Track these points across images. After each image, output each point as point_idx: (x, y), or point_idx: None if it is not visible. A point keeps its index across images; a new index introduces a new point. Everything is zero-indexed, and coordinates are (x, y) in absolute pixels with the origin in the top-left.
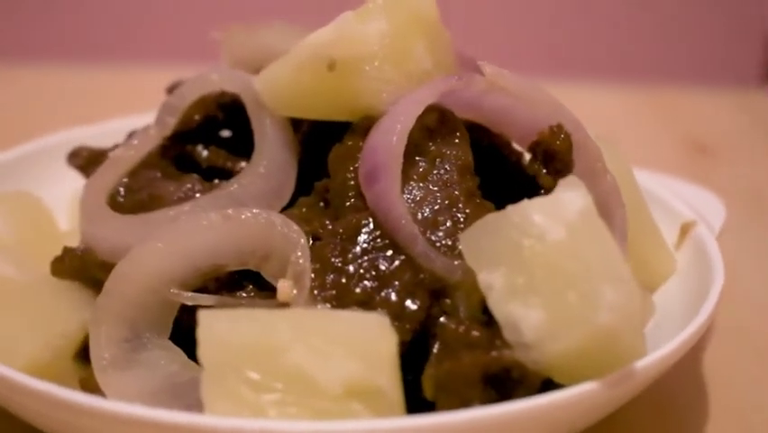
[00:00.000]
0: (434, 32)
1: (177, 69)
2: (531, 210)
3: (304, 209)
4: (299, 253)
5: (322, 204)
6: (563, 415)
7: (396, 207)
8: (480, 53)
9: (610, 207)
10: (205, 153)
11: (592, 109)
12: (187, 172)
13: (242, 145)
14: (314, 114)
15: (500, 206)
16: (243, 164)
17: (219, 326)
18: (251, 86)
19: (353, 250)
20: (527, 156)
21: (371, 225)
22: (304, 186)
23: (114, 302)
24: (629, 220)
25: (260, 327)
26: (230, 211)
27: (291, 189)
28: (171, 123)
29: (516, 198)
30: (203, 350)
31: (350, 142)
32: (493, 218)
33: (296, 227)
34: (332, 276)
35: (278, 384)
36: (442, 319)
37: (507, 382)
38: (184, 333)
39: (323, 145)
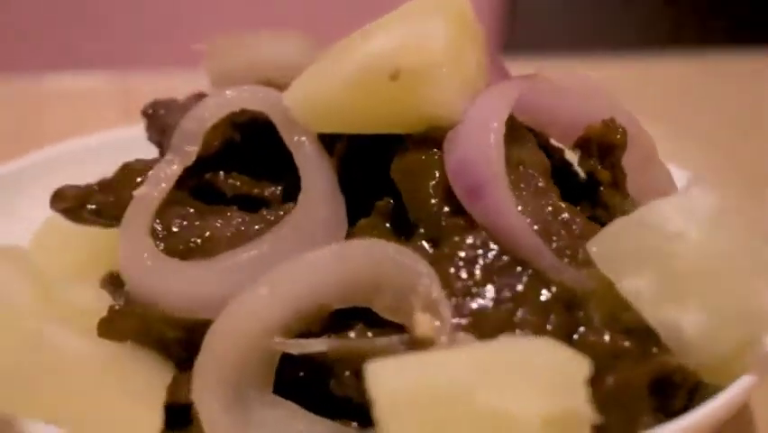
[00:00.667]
0: (476, 31)
1: (155, 77)
2: (666, 211)
3: (375, 231)
4: (428, 282)
5: (388, 225)
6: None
7: (515, 221)
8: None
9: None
10: (229, 181)
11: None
12: (216, 204)
13: (263, 168)
14: (362, 127)
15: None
16: (273, 189)
17: (392, 377)
18: (279, 102)
19: (475, 272)
20: (568, 152)
21: (488, 244)
22: (355, 209)
23: (216, 364)
24: None
25: (437, 371)
26: (338, 246)
27: (345, 213)
28: (193, 152)
29: (570, 198)
30: (382, 407)
31: (422, 156)
32: (625, 223)
33: (412, 253)
34: (464, 303)
35: (472, 429)
36: (581, 330)
37: (667, 388)
38: (286, 385)
39: (362, 161)
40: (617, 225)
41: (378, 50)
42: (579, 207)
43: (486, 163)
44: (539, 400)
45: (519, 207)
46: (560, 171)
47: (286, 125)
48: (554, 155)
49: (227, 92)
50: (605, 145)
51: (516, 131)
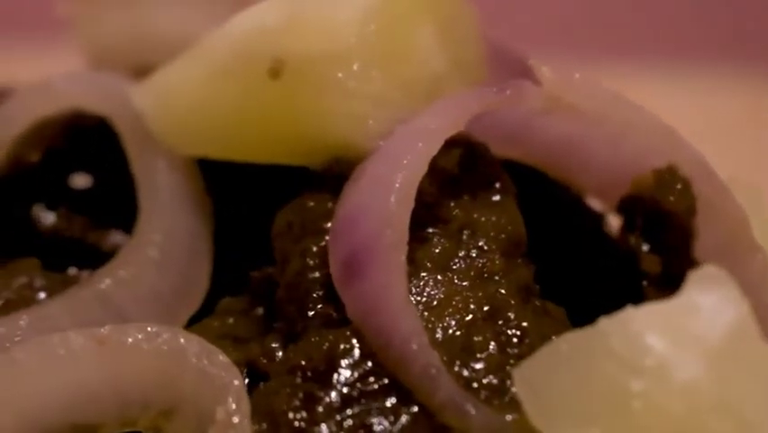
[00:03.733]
0: (447, 10)
1: None
2: (641, 327)
3: (231, 320)
4: (232, 406)
5: (261, 310)
6: None
7: (400, 321)
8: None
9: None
10: (48, 218)
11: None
12: (18, 251)
13: (111, 202)
14: (241, 153)
15: (574, 313)
16: (117, 237)
17: None
18: (127, 102)
19: (327, 398)
20: (613, 220)
21: (356, 353)
22: (225, 279)
23: None
24: None
25: None
26: (104, 330)
27: (205, 285)
28: None
29: (600, 298)
30: None
31: (310, 203)
32: (572, 341)
33: (223, 358)
34: None
35: None
36: None
37: None
38: None
39: (256, 207)
40: (560, 346)
41: (251, 30)
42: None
43: (375, 221)
44: None
45: (416, 297)
46: (590, 250)
47: (135, 139)
48: (584, 222)
49: (53, 81)
50: (656, 212)
51: (478, 173)
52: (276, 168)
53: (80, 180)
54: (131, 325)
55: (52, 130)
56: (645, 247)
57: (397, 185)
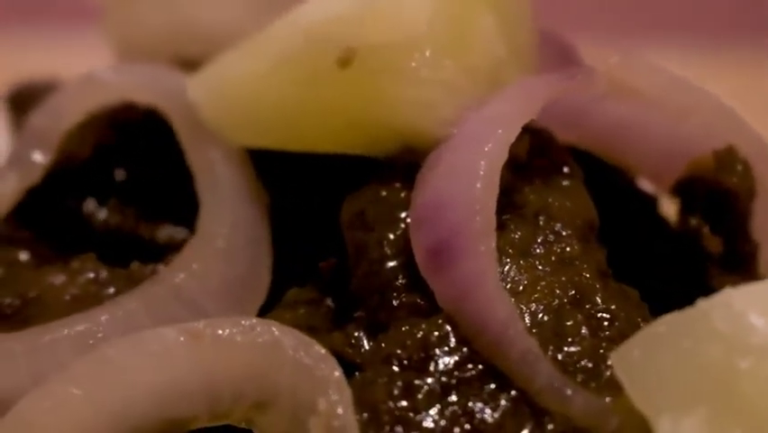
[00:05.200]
0: (509, 9)
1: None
2: (743, 306)
3: (302, 310)
4: (334, 397)
5: (330, 300)
6: None
7: (495, 308)
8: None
9: None
10: (101, 213)
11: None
12: (74, 247)
13: (161, 194)
14: (303, 143)
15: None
16: (170, 229)
17: None
18: (180, 94)
19: (426, 386)
20: (668, 202)
21: (452, 340)
22: (286, 270)
23: None
24: None
25: None
26: (198, 324)
27: (268, 276)
28: (41, 163)
29: (661, 280)
30: None
31: (383, 192)
32: (672, 323)
33: (319, 349)
34: None
35: None
36: None
37: None
38: None
39: (316, 197)
40: (663, 327)
41: (320, 22)
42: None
43: (464, 208)
44: None
45: (514, 285)
46: (646, 231)
47: (190, 131)
48: (639, 203)
49: (101, 74)
50: (717, 193)
51: (548, 160)
52: (330, 158)
53: (129, 173)
54: (224, 318)
55: (100, 123)
56: (706, 227)
57: (482, 172)
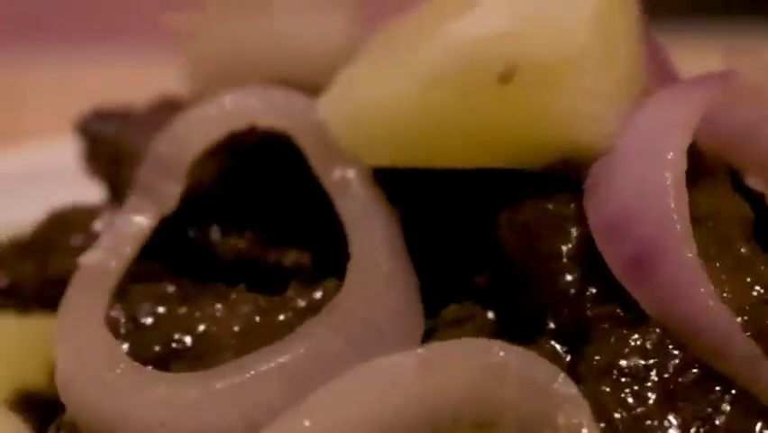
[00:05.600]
0: (634, 16)
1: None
2: None
3: (468, 327)
4: (574, 410)
5: (491, 314)
6: None
7: (712, 310)
8: None
9: None
10: (228, 242)
11: None
12: (207, 278)
13: (283, 222)
14: (450, 159)
15: None
16: (299, 255)
17: None
18: (310, 116)
19: (648, 395)
20: None
21: (668, 346)
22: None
23: None
24: None
25: None
26: (425, 350)
27: (419, 295)
28: (173, 195)
29: None
30: None
31: (549, 206)
32: None
33: (548, 364)
34: None
35: None
36: None
37: None
38: None
39: (450, 213)
40: None
41: (478, 37)
42: None
43: (661, 218)
44: None
45: (715, 289)
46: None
47: (321, 153)
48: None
49: (226, 99)
50: None
51: (700, 165)
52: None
53: (250, 200)
54: (449, 342)
55: (225, 150)
56: None
57: (669, 181)
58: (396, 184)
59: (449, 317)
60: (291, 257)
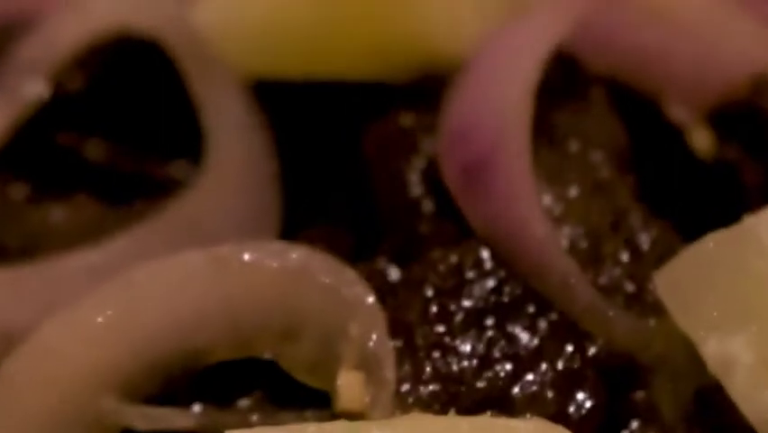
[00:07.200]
0: None
1: None
2: None
3: (324, 244)
4: (367, 321)
5: (349, 236)
6: None
7: (534, 230)
8: None
9: None
10: (93, 149)
11: None
12: (71, 184)
13: (154, 130)
14: (320, 69)
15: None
16: (170, 167)
17: None
18: (180, 22)
19: (461, 311)
20: (699, 130)
21: (487, 264)
22: (300, 205)
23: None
24: None
25: None
26: (224, 249)
27: (279, 212)
28: (35, 93)
29: (697, 211)
30: None
31: (405, 121)
32: (718, 241)
33: (351, 274)
34: (430, 361)
35: None
36: (635, 428)
37: None
38: None
39: (317, 128)
40: (704, 248)
41: None
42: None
43: (494, 134)
44: None
45: (550, 210)
46: (675, 158)
47: (194, 61)
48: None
49: (98, 2)
50: (755, 120)
51: (578, 85)
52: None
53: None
54: (251, 243)
55: (93, 54)
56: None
57: (515, 93)
58: (266, 97)
59: (304, 237)
60: (163, 169)
